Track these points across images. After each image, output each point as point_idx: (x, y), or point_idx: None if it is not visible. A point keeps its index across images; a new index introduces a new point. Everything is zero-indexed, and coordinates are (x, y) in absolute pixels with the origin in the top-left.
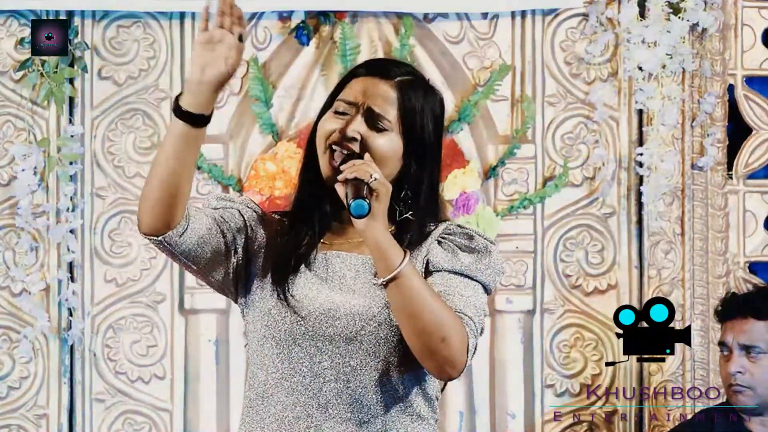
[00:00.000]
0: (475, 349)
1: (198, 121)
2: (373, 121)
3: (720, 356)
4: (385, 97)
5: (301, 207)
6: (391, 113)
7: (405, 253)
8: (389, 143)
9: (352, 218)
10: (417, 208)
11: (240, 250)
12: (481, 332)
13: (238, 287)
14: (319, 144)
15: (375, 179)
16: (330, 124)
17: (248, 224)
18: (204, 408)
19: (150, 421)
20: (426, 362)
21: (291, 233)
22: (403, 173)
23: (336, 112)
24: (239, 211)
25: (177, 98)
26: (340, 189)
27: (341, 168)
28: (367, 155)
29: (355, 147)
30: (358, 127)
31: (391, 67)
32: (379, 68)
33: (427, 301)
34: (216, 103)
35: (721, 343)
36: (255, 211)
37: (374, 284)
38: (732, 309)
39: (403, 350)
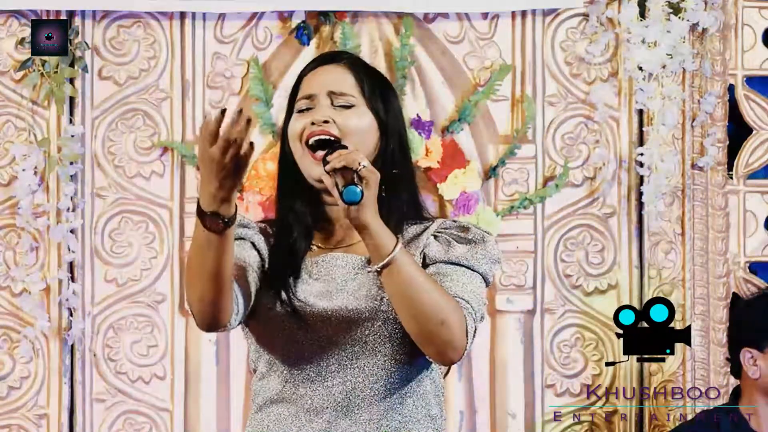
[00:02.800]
0: (475, 332)
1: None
2: (338, 100)
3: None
4: (342, 78)
5: (286, 213)
6: (352, 89)
7: (397, 239)
8: (360, 117)
9: (343, 207)
10: (398, 196)
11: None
12: (482, 319)
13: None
14: (295, 146)
15: (364, 167)
16: (298, 123)
17: (259, 252)
18: (204, 408)
19: (150, 421)
20: (426, 347)
21: (283, 240)
22: (380, 154)
23: (300, 112)
24: (252, 244)
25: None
26: (328, 180)
27: (328, 159)
28: (351, 145)
29: (332, 129)
30: (325, 111)
31: (337, 54)
32: (325, 57)
33: (423, 285)
34: (217, 104)
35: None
36: (256, 231)
37: (368, 272)
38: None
39: (408, 347)
